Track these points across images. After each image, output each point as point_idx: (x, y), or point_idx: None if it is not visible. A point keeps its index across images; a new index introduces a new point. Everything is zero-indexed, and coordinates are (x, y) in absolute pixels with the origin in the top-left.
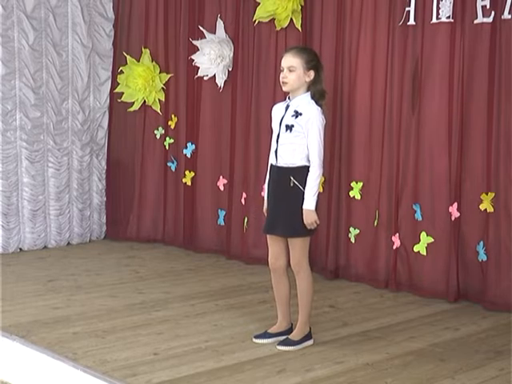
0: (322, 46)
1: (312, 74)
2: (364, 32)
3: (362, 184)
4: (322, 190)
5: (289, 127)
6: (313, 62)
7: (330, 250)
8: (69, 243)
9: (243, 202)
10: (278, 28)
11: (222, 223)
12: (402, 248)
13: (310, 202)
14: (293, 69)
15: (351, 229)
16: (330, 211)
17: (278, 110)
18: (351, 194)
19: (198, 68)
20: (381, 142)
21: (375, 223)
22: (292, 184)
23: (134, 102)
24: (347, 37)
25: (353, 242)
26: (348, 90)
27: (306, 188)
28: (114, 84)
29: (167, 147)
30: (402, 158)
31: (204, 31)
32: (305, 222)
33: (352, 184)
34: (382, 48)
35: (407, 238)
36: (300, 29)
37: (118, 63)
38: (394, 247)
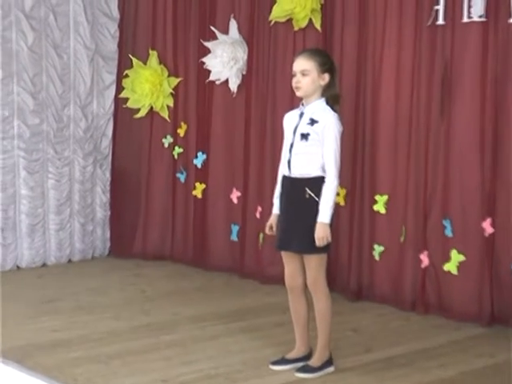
0: (344, 48)
1: (327, 77)
2: (389, 32)
3: (386, 197)
4: (343, 204)
5: (304, 136)
6: (327, 65)
7: (352, 268)
8: (70, 260)
9: (258, 216)
10: (296, 28)
11: (236, 239)
12: (431, 267)
13: (324, 215)
14: (306, 72)
15: (375, 246)
16: (352, 226)
17: (290, 118)
18: (375, 207)
19: (210, 71)
20: (407, 151)
21: (401, 240)
22: (307, 196)
23: (140, 108)
24: (370, 38)
25: (377, 260)
26: (371, 95)
27: (322, 200)
28: (119, 89)
29: (176, 157)
30: (431, 168)
31: (216, 32)
32: (315, 235)
33: (376, 197)
34: (409, 50)
35: (436, 256)
36: (320, 29)
37: (123, 66)
38: (422, 266)
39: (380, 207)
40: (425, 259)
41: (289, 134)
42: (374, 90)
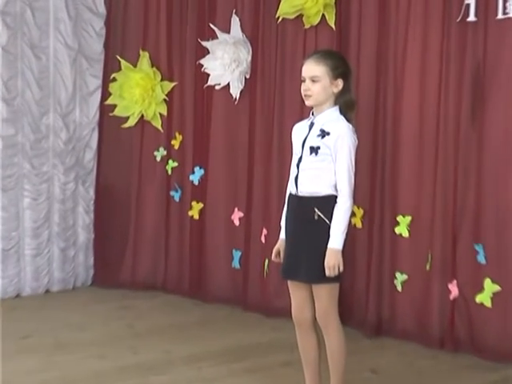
0: (361, 48)
1: (340, 83)
2: (413, 30)
3: (410, 218)
4: (360, 226)
5: (314, 149)
6: (340, 69)
7: (370, 300)
8: (48, 291)
9: (263, 241)
10: (307, 26)
11: (238, 266)
12: (461, 298)
13: (336, 240)
14: (316, 79)
15: (397, 274)
16: (370, 252)
17: (299, 129)
18: (397, 230)
19: (209, 75)
20: (433, 165)
21: (427, 267)
22: (317, 217)
23: (129, 117)
24: (392, 36)
25: (399, 290)
26: (392, 102)
27: (333, 222)
28: (105, 94)
29: (170, 172)
30: (461, 185)
31: (216, 30)
32: (326, 263)
33: (398, 218)
34: (435, 50)
35: (467, 286)
36: (334, 27)
37: (110, 69)
38: (451, 297)
39: (402, 230)
40: (454, 289)
41: (297, 148)
42: (395, 96)
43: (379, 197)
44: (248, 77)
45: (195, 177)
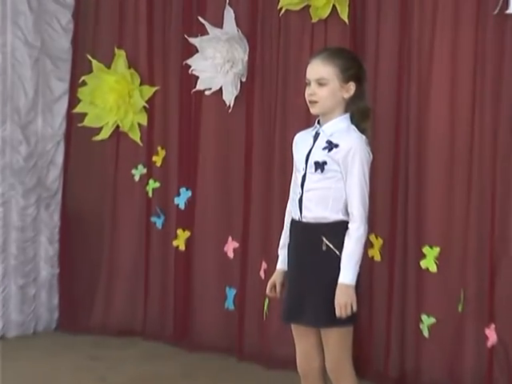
0: (380, 47)
1: (352, 86)
2: (441, 25)
3: (438, 250)
4: (379, 259)
5: (319, 165)
6: (352, 70)
7: (391, 347)
8: (2, 337)
9: (263, 276)
10: (315, 19)
11: (232, 307)
12: (500, 345)
13: (347, 274)
14: (324, 81)
15: (423, 316)
16: (391, 290)
17: (302, 140)
18: (423, 264)
19: (197, 78)
20: (466, 188)
21: (459, 308)
22: (324, 247)
23: (102, 128)
24: (416, 32)
25: (426, 335)
26: (417, 110)
27: (344, 253)
28: (74, 101)
29: (151, 194)
30: (499, 210)
31: (206, 24)
32: (336, 302)
33: (424, 249)
34: (468, 48)
35: (508, 332)
36: (347, 21)
37: (79, 71)
38: (488, 344)
39: (429, 264)
40: (492, 335)
41: (300, 163)
42: (420, 103)
43: (401, 223)
44: (244, 80)
45: (181, 200)
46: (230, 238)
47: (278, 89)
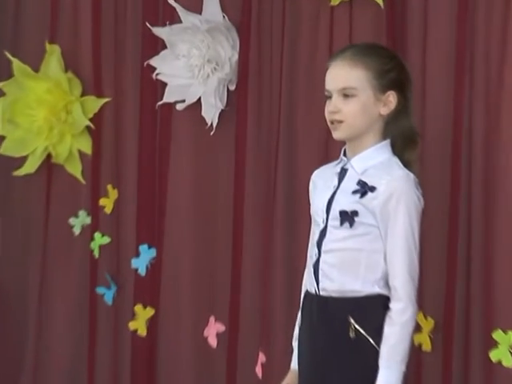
0: (429, 44)
1: (392, 98)
2: None
3: None
4: (429, 348)
5: (347, 216)
6: (392, 74)
7: None
8: None
9: (259, 374)
10: (335, 1)
11: None
12: None
13: (389, 376)
14: (351, 92)
15: None
16: None
17: (322, 180)
18: (494, 356)
19: (165, 85)
20: None
21: None
22: (353, 334)
23: (27, 158)
24: (481, 26)
25: None
26: (483, 139)
27: (384, 345)
28: None
29: (97, 254)
30: None
31: (178, 8)
32: None
33: (495, 335)
34: None
35: None
36: (381, 3)
37: None
38: None
39: (503, 355)
40: None
41: (318, 212)
42: (488, 128)
43: (461, 298)
44: (233, 88)
45: (141, 262)
46: (212, 319)
47: (282, 102)
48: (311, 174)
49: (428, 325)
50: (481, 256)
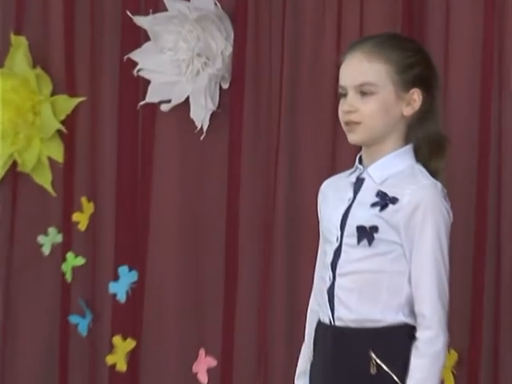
0: (452, 36)
1: (417, 96)
2: None
3: None
4: None
5: (365, 232)
6: (417, 68)
7: None
8: None
9: None
10: None
11: None
12: None
13: None
14: (370, 89)
15: None
16: None
17: (334, 190)
18: None
19: (148, 83)
20: None
21: None
22: (374, 370)
23: None
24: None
25: None
26: None
27: (410, 380)
28: None
29: (69, 277)
30: None
31: None
32: None
33: None
34: None
35: None
36: None
37: None
38: None
39: None
40: None
41: (330, 229)
42: None
43: (489, 330)
44: (227, 87)
45: (120, 287)
46: (202, 352)
47: (283, 103)
48: (316, 184)
49: (451, 359)
50: (511, 280)
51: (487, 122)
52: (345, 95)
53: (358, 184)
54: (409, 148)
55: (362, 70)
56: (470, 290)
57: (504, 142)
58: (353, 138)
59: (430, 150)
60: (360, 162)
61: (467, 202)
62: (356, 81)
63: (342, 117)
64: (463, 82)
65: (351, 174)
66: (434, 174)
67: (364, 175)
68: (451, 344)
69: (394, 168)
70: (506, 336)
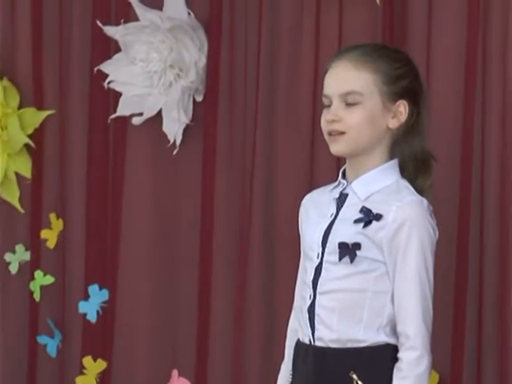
0: (433, 47)
1: (403, 109)
2: None
3: None
4: None
5: (348, 250)
6: (405, 80)
7: None
8: None
9: None
10: None
11: None
12: None
13: None
14: (355, 98)
15: None
16: None
17: (315, 206)
18: None
19: (119, 96)
20: None
21: None
22: None
23: None
24: (495, 20)
25: None
26: (498, 156)
27: None
28: None
29: (37, 296)
30: None
31: (134, 3)
32: None
33: None
34: None
35: None
36: (378, 0)
37: None
38: None
39: None
40: None
41: (311, 246)
42: (504, 145)
43: (471, 350)
44: (201, 99)
45: (90, 306)
46: (174, 374)
47: (259, 116)
48: (293, 198)
49: (432, 380)
50: (494, 300)
51: (469, 133)
52: (329, 106)
53: (342, 199)
54: (394, 163)
55: (348, 78)
56: (452, 309)
57: (487, 153)
58: (336, 149)
59: (415, 168)
60: (343, 176)
61: (449, 212)
62: (341, 89)
63: (325, 127)
64: (445, 94)
65: (334, 188)
66: (420, 192)
67: (348, 190)
68: (432, 365)
69: (379, 184)
70: (488, 356)
